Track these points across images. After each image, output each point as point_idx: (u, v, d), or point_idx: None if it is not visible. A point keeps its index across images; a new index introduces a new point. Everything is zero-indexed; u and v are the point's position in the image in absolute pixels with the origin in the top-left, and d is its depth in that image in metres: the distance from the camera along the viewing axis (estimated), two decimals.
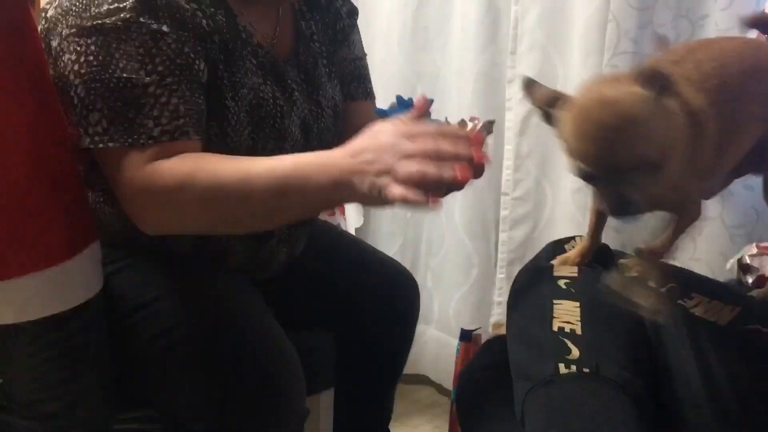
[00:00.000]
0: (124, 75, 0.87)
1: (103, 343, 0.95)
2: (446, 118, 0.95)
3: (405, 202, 0.77)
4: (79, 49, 0.88)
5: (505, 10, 1.84)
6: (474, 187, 1.78)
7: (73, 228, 0.90)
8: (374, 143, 0.81)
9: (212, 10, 0.96)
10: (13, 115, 0.83)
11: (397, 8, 2.02)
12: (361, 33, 1.26)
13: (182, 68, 0.90)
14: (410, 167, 0.77)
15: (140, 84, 0.87)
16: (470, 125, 0.88)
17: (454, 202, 1.95)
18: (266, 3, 1.05)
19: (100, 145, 0.88)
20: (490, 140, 0.95)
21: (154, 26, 0.88)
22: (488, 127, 0.90)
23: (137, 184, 0.87)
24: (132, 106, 0.87)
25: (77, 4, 0.90)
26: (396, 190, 0.77)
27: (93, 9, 0.89)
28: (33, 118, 0.84)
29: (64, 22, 0.90)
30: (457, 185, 0.78)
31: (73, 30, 0.89)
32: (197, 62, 0.92)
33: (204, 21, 0.94)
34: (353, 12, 1.19)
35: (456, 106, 1.92)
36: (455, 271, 1.98)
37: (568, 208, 1.78)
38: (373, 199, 0.81)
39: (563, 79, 1.76)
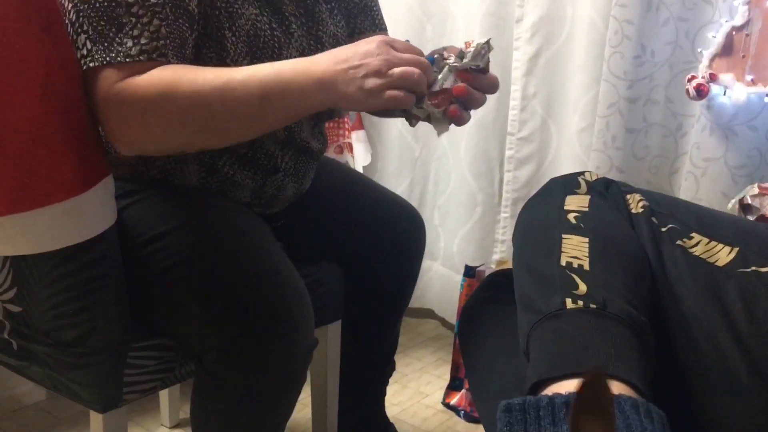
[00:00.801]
0: None
1: (117, 274, 0.95)
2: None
3: (398, 103, 0.83)
4: None
5: None
6: (479, 126, 1.90)
7: (87, 162, 0.89)
8: (359, 50, 0.84)
9: None
10: (27, 49, 0.81)
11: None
12: None
13: None
14: (402, 70, 0.82)
15: (124, 3, 0.86)
16: (470, 50, 0.88)
17: (461, 139, 1.95)
18: None
19: (84, 68, 0.87)
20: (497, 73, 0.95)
21: None
22: (484, 46, 0.89)
23: (113, 98, 0.85)
24: (113, 25, 0.86)
25: None
26: (390, 91, 0.82)
27: None
28: (46, 52, 0.83)
29: None
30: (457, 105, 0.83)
31: None
32: None
33: None
34: None
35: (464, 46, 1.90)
36: (460, 209, 1.99)
37: (572, 148, 1.78)
38: (358, 101, 0.84)
39: (571, 19, 1.75)
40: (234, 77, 0.86)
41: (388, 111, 0.93)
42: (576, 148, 1.76)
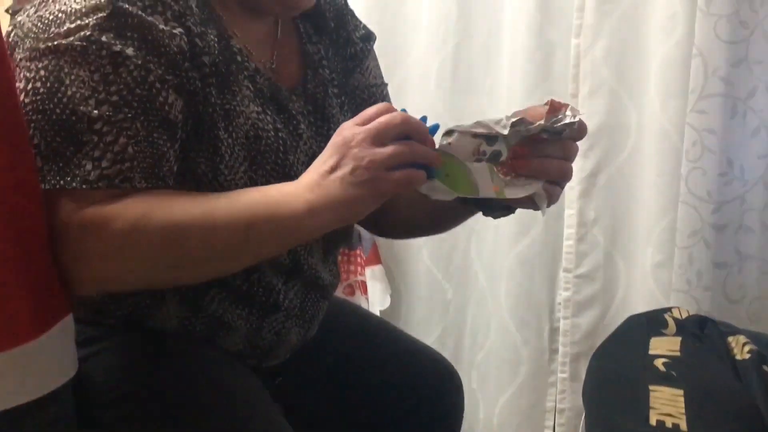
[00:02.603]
0: (70, 105, 0.88)
1: None
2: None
3: (405, 186, 0.87)
4: (28, 75, 0.90)
5: (563, 44, 1.88)
6: (522, 260, 1.97)
7: (42, 298, 0.89)
8: (332, 144, 0.89)
9: (202, 29, 0.98)
10: None
11: (434, 44, 2.04)
12: (393, 74, 1.27)
13: (141, 100, 0.90)
14: (385, 150, 0.86)
15: (86, 117, 0.88)
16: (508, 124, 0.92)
17: (500, 278, 1.97)
18: (264, 20, 1.08)
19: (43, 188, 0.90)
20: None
21: (117, 47, 0.89)
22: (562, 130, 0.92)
23: (73, 230, 0.88)
24: (72, 143, 0.88)
25: (38, 24, 0.93)
26: (387, 182, 0.86)
27: (53, 29, 0.91)
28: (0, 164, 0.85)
29: (21, 45, 0.93)
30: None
31: (27, 53, 0.91)
32: (163, 93, 0.92)
33: (185, 41, 0.95)
34: (368, 37, 1.23)
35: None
36: (501, 369, 1.99)
37: (647, 288, 1.79)
38: (364, 202, 0.88)
39: (637, 127, 1.80)
40: (215, 203, 0.90)
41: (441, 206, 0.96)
42: (652, 288, 1.77)
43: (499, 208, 1.00)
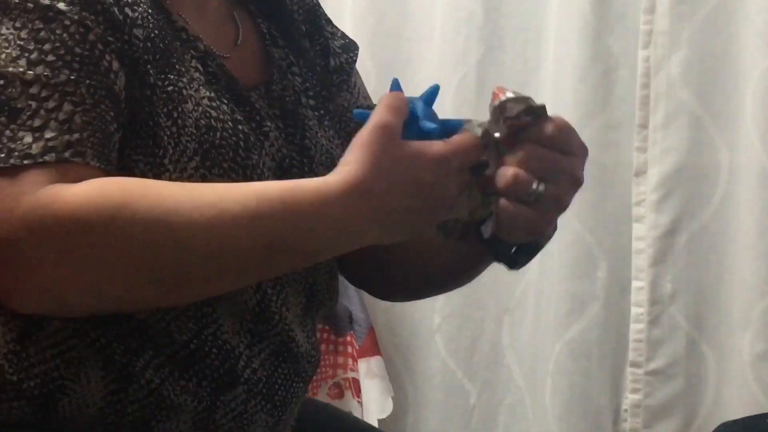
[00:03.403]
0: None
1: None
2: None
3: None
4: None
5: (626, 57, 1.84)
6: (571, 351, 1.90)
7: None
8: (420, 183, 0.89)
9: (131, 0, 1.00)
10: None
11: (452, 56, 2.02)
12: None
13: (83, 62, 0.92)
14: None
15: (18, 80, 0.89)
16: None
17: (545, 375, 1.91)
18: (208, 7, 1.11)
19: None
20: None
21: (46, 1, 0.92)
22: (520, 108, 0.92)
23: (21, 221, 0.87)
24: (2, 112, 0.89)
25: None
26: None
27: None
28: None
29: None
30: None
31: None
32: (106, 57, 0.93)
33: (117, 9, 0.96)
34: (350, 47, 1.25)
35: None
36: None
37: (745, 386, 1.75)
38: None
39: (730, 169, 1.77)
40: (226, 211, 0.89)
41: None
42: (752, 387, 1.73)
43: (497, 244, 1.02)
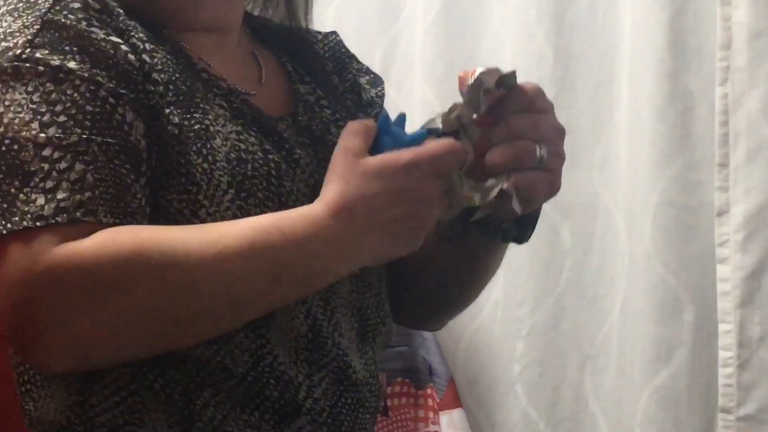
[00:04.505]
0: (9, 134, 0.93)
1: None
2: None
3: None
4: None
5: (704, 94, 1.83)
6: (663, 396, 1.90)
7: None
8: (388, 195, 0.93)
9: (151, 46, 1.02)
10: None
11: None
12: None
13: (94, 119, 0.94)
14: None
15: (31, 144, 0.92)
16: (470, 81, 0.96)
17: (635, 413, 1.88)
18: (227, 44, 1.13)
19: None
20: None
21: (56, 62, 0.95)
22: (494, 79, 0.95)
23: (41, 279, 0.89)
24: (16, 177, 0.92)
25: None
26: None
27: None
28: None
29: None
30: None
31: None
32: (119, 110, 0.96)
33: (135, 56, 0.99)
34: (377, 82, 1.28)
35: (627, 257, 1.93)
36: None
37: None
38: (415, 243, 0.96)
39: None
40: (229, 247, 0.92)
41: None
42: None
43: (493, 224, 1.05)
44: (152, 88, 1.00)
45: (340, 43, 1.28)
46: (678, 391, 1.83)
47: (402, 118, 0.98)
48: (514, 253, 2.00)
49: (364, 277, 1.12)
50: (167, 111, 1.00)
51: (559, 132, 1.01)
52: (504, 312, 2.02)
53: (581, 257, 1.98)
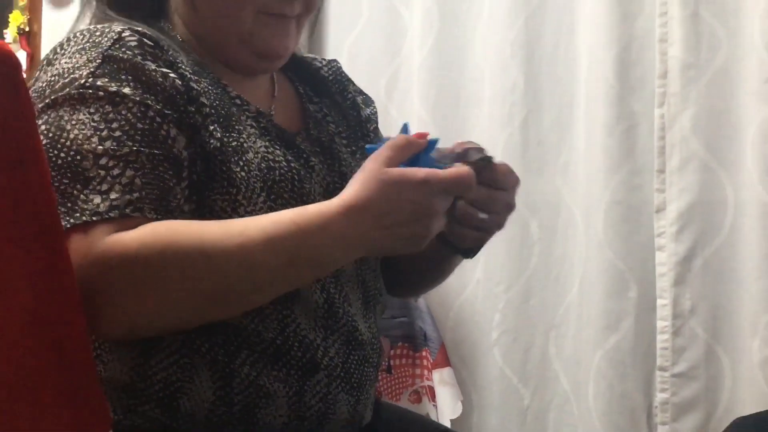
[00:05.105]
0: (74, 147, 0.97)
1: None
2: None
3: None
4: None
5: (645, 115, 1.91)
6: (611, 358, 1.93)
7: (83, 416, 0.90)
8: (403, 206, 0.96)
9: (196, 78, 1.08)
10: (11, 262, 0.85)
11: (499, 119, 2.09)
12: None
13: (144, 134, 0.99)
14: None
15: (91, 154, 0.97)
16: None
17: (588, 378, 1.95)
18: (255, 80, 1.20)
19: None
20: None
21: (113, 88, 1.00)
22: (478, 156, 1.04)
23: (96, 266, 0.92)
24: (78, 182, 0.96)
25: (38, 90, 1.04)
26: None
27: (48, 90, 1.02)
28: (35, 265, 0.87)
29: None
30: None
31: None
32: (164, 127, 1.01)
33: (179, 83, 1.04)
34: (369, 101, 1.35)
35: (584, 246, 1.99)
36: None
37: (756, 386, 1.78)
38: (415, 247, 0.99)
39: (735, 204, 1.83)
40: (251, 237, 0.96)
41: None
42: (761, 386, 1.76)
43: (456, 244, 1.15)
44: (198, 109, 1.05)
45: (340, 69, 1.33)
46: (624, 353, 1.89)
47: (435, 141, 1.01)
48: (493, 242, 2.11)
49: (366, 258, 1.15)
50: (211, 128, 1.05)
51: (508, 207, 1.09)
52: (484, 289, 2.09)
53: (547, 246, 2.04)
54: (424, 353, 1.98)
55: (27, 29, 2.67)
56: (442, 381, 1.98)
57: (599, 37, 1.95)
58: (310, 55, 1.30)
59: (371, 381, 1.19)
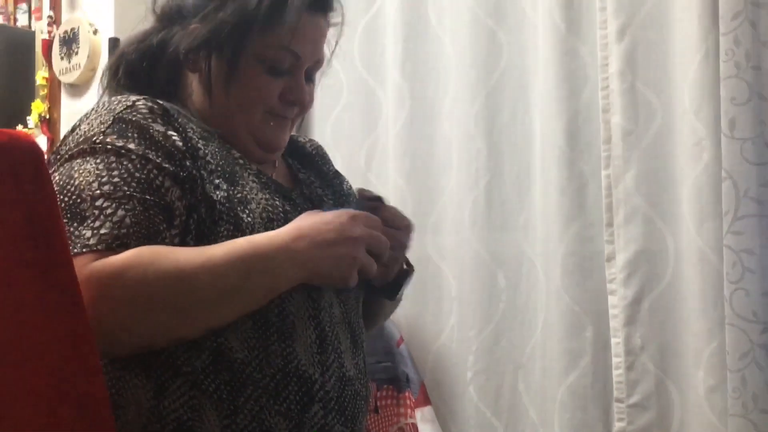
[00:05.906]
0: (77, 191, 1.02)
1: None
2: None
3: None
4: None
5: (593, 175, 1.97)
6: (573, 392, 1.97)
7: None
8: (334, 227, 1.07)
9: (203, 142, 1.13)
10: (41, 338, 0.86)
11: (466, 183, 2.15)
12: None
13: (140, 182, 1.04)
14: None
15: (90, 197, 1.02)
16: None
17: (553, 413, 1.98)
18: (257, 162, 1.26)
19: None
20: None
21: (119, 143, 1.06)
22: (369, 196, 1.20)
23: (92, 286, 0.95)
24: (76, 220, 1.01)
25: (58, 153, 1.09)
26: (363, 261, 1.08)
27: (64, 149, 1.09)
28: (62, 338, 0.88)
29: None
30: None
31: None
32: (159, 179, 1.06)
33: (182, 143, 1.09)
34: (341, 175, 1.42)
35: (544, 293, 2.04)
36: None
37: (702, 414, 1.79)
38: (337, 279, 1.08)
39: (675, 252, 1.86)
40: (214, 254, 1.02)
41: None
42: (707, 414, 1.77)
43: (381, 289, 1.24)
44: (201, 165, 1.09)
45: (320, 146, 1.42)
46: (584, 387, 1.93)
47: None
48: (464, 291, 2.08)
49: (350, 304, 1.19)
50: (217, 181, 1.09)
51: (402, 246, 1.19)
52: (459, 334, 2.12)
53: (512, 294, 2.08)
54: (407, 394, 2.01)
55: (47, 116, 2.72)
56: (423, 418, 2.00)
57: (551, 109, 2.01)
58: (293, 134, 1.35)
59: (363, 413, 1.21)
